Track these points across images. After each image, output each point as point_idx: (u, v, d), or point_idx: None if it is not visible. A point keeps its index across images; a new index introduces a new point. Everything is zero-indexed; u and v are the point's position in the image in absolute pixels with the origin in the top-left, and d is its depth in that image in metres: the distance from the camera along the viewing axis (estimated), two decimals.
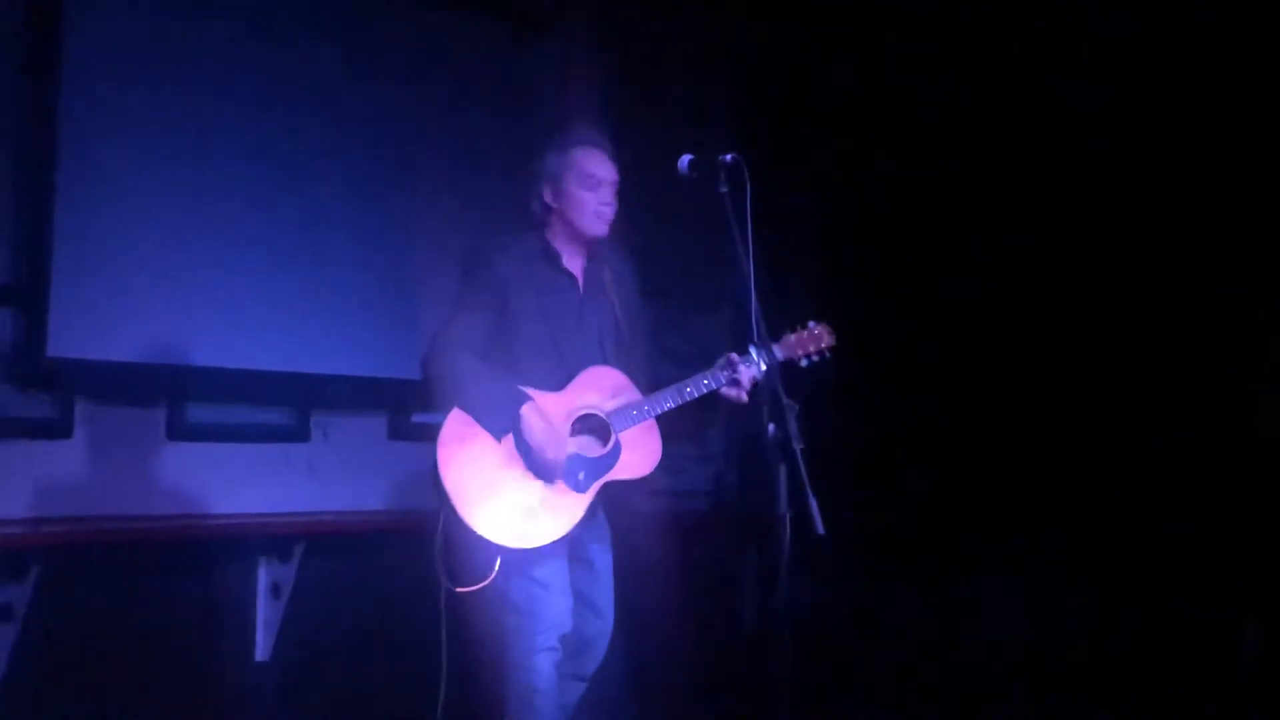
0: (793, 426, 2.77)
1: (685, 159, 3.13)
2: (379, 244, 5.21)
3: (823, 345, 3.52)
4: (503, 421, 3.28)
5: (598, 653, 3.48)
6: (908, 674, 5.20)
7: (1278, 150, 4.91)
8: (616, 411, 3.38)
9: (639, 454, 3.38)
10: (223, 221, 4.73)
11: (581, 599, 3.41)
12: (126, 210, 4.47)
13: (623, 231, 3.52)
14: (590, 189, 3.40)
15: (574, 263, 3.50)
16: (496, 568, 3.23)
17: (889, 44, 5.88)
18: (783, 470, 2.74)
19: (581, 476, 3.31)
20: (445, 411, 3.36)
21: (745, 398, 3.39)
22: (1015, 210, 5.69)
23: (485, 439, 3.29)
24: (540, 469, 3.26)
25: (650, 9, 5.21)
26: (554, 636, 3.29)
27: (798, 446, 2.73)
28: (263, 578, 4.89)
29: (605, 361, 3.46)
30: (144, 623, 4.55)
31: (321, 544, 4.95)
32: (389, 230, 5.25)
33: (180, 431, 4.71)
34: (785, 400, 2.82)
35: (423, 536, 5.19)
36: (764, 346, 3.23)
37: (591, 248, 3.51)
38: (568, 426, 3.32)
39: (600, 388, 3.40)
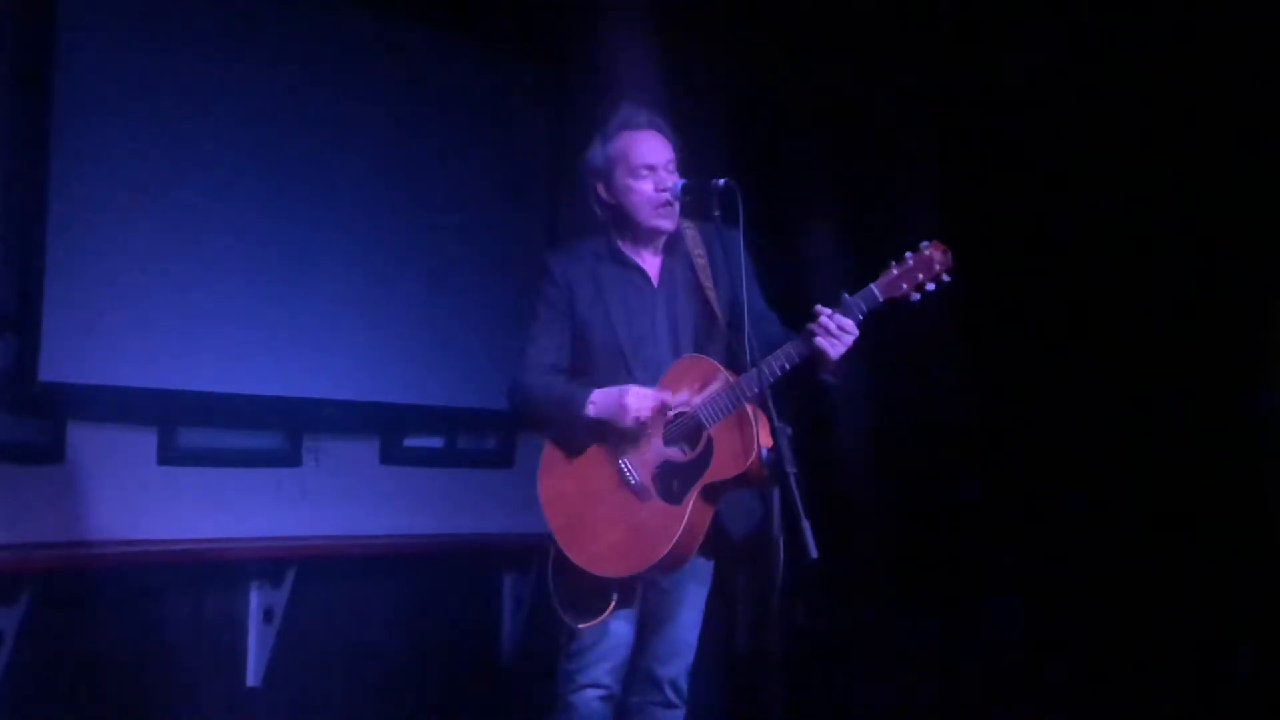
0: (785, 449, 2.74)
1: (679, 183, 3.10)
2: (370, 268, 5.21)
3: (937, 269, 2.95)
4: (579, 428, 3.05)
5: (671, 677, 3.22)
6: (901, 698, 5.19)
7: None
8: (704, 404, 3.01)
9: (731, 449, 2.98)
10: (215, 246, 4.72)
11: (650, 619, 3.20)
12: (119, 234, 4.47)
13: None
14: (643, 178, 3.12)
15: (645, 257, 3.22)
16: (614, 602, 3.01)
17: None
18: (775, 493, 2.71)
19: (675, 485, 3.01)
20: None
21: (842, 347, 2.91)
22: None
23: (578, 463, 3.09)
24: (657, 463, 3.02)
25: (646, 32, 5.22)
26: (602, 671, 3.11)
27: (791, 470, 2.68)
28: (254, 603, 4.86)
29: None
30: (135, 648, 4.54)
31: (314, 569, 4.93)
32: (380, 254, 5.25)
33: (172, 456, 4.69)
34: (777, 423, 2.80)
35: (416, 561, 5.23)
36: (848, 296, 2.95)
37: (669, 238, 3.21)
38: (659, 433, 3.05)
39: (689, 381, 3.05)
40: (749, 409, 2.98)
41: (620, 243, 3.21)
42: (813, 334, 2.92)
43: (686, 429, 3.04)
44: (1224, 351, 5.08)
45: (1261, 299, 5.04)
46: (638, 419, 3.01)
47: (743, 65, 5.97)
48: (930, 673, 5.36)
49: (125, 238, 4.49)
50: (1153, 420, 5.21)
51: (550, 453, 3.14)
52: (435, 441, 5.51)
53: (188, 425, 4.74)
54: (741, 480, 3.00)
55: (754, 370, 2.90)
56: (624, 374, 3.10)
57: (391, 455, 5.39)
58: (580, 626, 3.05)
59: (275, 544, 4.86)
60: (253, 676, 4.84)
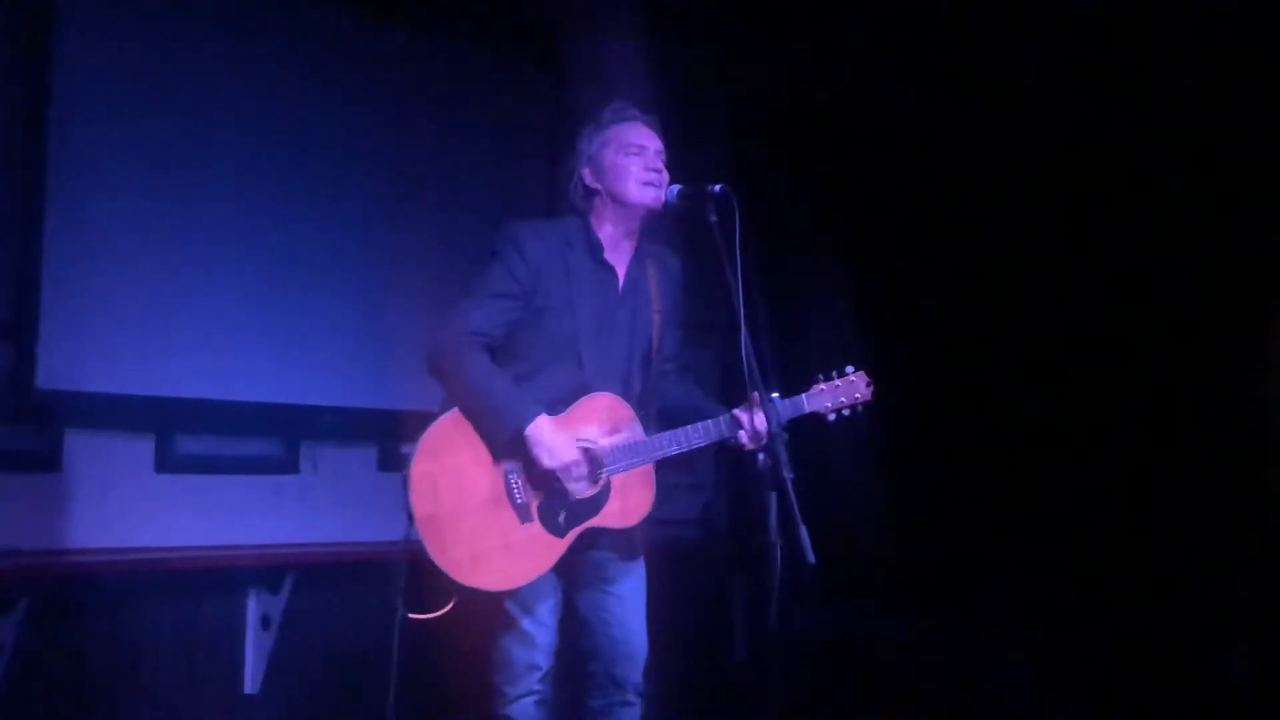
0: (782, 455, 2.74)
1: (674, 189, 3.10)
2: (368, 275, 5.22)
3: (857, 398, 3.19)
4: (507, 436, 2.96)
5: (632, 679, 3.22)
6: (898, 704, 5.20)
7: None
8: (613, 450, 3.04)
9: (627, 503, 3.08)
10: (212, 253, 4.73)
11: (599, 625, 3.21)
12: (116, 242, 4.47)
13: None
14: (632, 155, 3.11)
15: (617, 256, 3.19)
16: (451, 605, 2.97)
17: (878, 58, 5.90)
18: (773, 499, 2.71)
19: (561, 519, 3.01)
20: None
21: (754, 445, 3.04)
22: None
23: (470, 456, 3.01)
24: (549, 491, 2.99)
25: (642, 38, 5.25)
26: (533, 680, 3.10)
27: (788, 475, 2.69)
28: (252, 609, 4.87)
29: (630, 375, 3.16)
30: (133, 655, 4.54)
31: (311, 575, 4.93)
32: (378, 261, 5.25)
33: (169, 463, 4.70)
34: (776, 429, 2.82)
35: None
36: (779, 399, 3.05)
37: (640, 234, 3.20)
38: None
39: (600, 419, 3.06)
40: (651, 469, 3.11)
41: (599, 232, 3.17)
42: (738, 423, 3.07)
43: (586, 464, 3.04)
44: (1222, 353, 5.11)
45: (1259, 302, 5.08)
46: (557, 473, 2.97)
47: (740, 68, 5.99)
48: (927, 680, 5.37)
49: (122, 245, 4.49)
50: (1151, 421, 5.23)
51: (439, 435, 3.06)
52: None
53: (185, 432, 4.74)
54: (625, 532, 3.12)
55: (669, 433, 3.09)
56: (574, 365, 3.08)
57: (390, 462, 5.39)
58: (409, 616, 3.05)
59: (273, 551, 4.87)
60: (250, 684, 4.84)
